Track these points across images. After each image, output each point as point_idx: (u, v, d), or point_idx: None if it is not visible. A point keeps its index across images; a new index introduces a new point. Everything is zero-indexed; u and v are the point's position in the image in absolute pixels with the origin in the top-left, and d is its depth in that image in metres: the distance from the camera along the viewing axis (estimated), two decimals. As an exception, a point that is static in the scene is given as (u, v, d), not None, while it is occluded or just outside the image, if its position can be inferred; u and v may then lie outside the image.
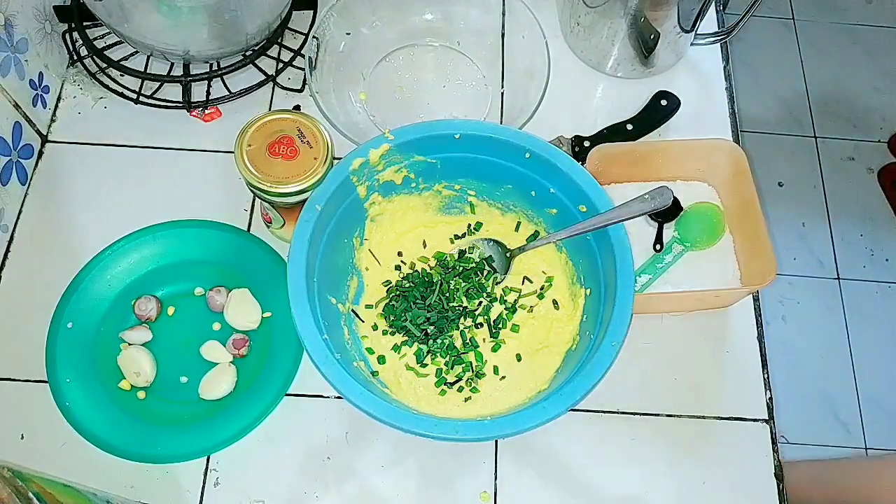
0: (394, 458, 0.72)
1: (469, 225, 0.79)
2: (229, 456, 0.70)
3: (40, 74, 0.83)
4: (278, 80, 0.88)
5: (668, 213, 0.82)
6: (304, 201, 0.69)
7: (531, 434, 0.60)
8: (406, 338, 0.74)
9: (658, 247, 0.81)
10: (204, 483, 0.70)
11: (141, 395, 0.72)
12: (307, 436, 0.72)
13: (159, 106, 0.86)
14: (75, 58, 0.87)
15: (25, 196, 0.82)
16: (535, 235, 0.78)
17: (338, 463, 0.71)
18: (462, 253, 0.78)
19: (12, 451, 0.70)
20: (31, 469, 0.53)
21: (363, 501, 0.70)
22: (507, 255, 0.77)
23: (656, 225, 0.82)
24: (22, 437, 0.71)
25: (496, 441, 0.73)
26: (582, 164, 0.81)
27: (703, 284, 0.80)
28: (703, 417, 0.75)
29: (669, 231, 0.82)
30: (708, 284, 0.80)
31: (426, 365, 0.73)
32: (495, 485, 0.71)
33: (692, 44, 0.92)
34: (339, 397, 0.67)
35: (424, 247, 0.79)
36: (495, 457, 0.72)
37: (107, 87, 0.86)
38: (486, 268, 0.77)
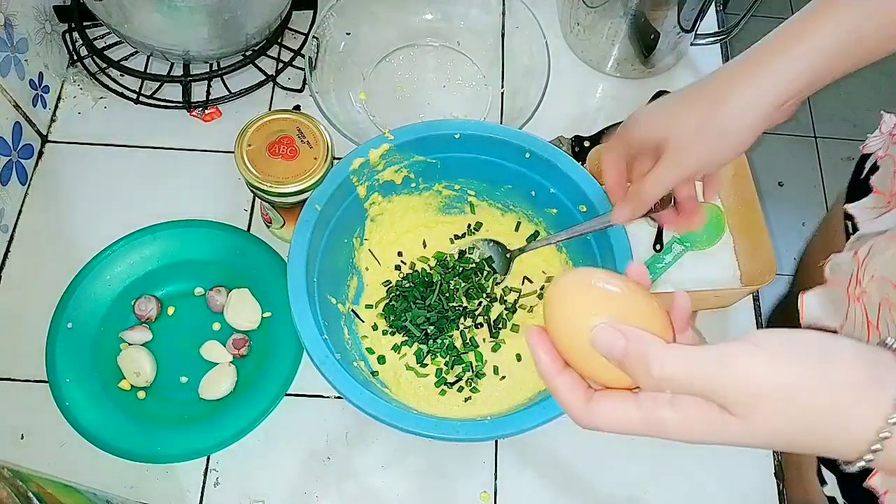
0: (394, 458, 0.72)
1: (469, 225, 0.79)
2: (229, 456, 0.70)
3: (40, 74, 0.83)
4: (278, 80, 0.88)
5: (669, 213, 0.82)
6: (304, 201, 0.69)
7: (531, 434, 0.60)
8: (406, 338, 0.74)
9: (658, 247, 0.81)
10: (204, 483, 0.70)
11: (141, 395, 0.72)
12: (307, 436, 0.72)
13: (159, 106, 0.86)
14: (75, 58, 0.87)
15: (25, 196, 0.82)
16: (536, 235, 0.78)
17: (338, 463, 0.71)
18: (462, 253, 0.78)
19: (12, 451, 0.70)
20: (31, 469, 0.53)
21: (363, 501, 0.70)
22: (508, 255, 0.77)
23: (656, 225, 0.82)
24: (22, 437, 0.71)
25: (496, 441, 0.73)
26: (582, 164, 0.81)
27: (703, 284, 0.79)
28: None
29: (670, 231, 0.82)
30: (708, 284, 0.80)
31: (426, 365, 0.73)
32: (495, 485, 0.71)
33: (692, 44, 0.92)
34: (339, 397, 0.67)
35: (424, 247, 0.79)
36: (495, 457, 0.72)
37: (107, 87, 0.86)
38: (486, 268, 0.77)
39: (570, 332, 0.41)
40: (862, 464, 0.37)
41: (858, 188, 0.77)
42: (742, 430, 0.38)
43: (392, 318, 0.74)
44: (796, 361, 0.37)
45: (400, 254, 0.78)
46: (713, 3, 0.90)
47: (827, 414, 0.37)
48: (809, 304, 0.69)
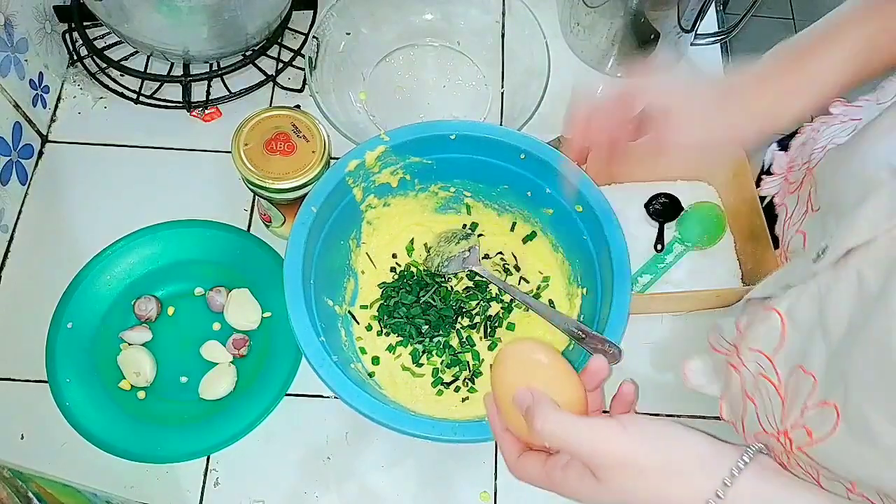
0: (393, 458, 0.72)
1: (465, 225, 0.79)
2: (229, 456, 0.70)
3: (40, 74, 0.84)
4: (278, 80, 0.88)
5: (669, 213, 0.82)
6: (304, 196, 0.69)
7: (530, 434, 0.59)
8: (400, 338, 0.74)
9: (659, 247, 0.81)
10: (204, 483, 0.70)
11: (141, 395, 0.72)
12: (307, 436, 0.72)
13: (159, 106, 0.86)
14: (75, 58, 0.87)
15: (25, 196, 0.82)
16: (532, 236, 0.78)
17: (338, 463, 0.71)
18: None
19: (12, 451, 0.70)
20: (31, 469, 0.54)
21: (363, 501, 0.70)
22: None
23: (657, 225, 0.82)
24: (22, 437, 0.71)
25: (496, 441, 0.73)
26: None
27: (704, 284, 0.79)
28: (704, 417, 0.75)
29: (670, 231, 0.82)
30: (708, 284, 0.80)
31: (422, 365, 0.73)
32: (495, 485, 0.71)
33: (692, 44, 0.92)
34: (338, 397, 0.67)
35: (421, 248, 0.79)
36: (495, 457, 0.72)
37: (107, 87, 0.86)
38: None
39: (506, 390, 0.52)
40: None
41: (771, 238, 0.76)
42: (599, 489, 0.46)
43: (387, 317, 0.74)
44: (649, 445, 0.45)
45: (395, 255, 0.78)
46: (713, 3, 0.90)
47: (664, 490, 0.45)
48: (693, 371, 0.70)
